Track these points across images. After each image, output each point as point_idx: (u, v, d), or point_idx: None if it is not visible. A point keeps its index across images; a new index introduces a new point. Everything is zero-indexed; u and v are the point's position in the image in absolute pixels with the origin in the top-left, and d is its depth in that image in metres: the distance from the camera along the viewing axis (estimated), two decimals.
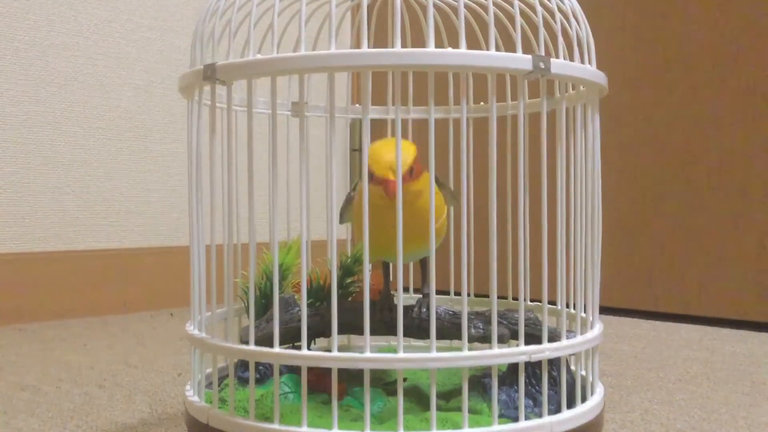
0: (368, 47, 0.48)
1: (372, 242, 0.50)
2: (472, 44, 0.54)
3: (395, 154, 0.49)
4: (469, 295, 0.52)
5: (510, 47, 0.51)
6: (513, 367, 0.57)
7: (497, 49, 0.51)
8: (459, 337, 0.56)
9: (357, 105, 0.81)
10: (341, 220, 0.65)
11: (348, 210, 0.64)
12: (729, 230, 1.30)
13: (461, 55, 0.48)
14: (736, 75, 1.29)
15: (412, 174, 0.56)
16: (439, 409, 0.54)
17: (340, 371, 0.50)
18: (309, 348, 0.50)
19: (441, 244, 0.60)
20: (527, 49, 0.54)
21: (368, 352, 0.49)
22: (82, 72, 1.41)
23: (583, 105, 0.60)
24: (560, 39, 0.56)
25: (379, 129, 0.79)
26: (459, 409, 0.52)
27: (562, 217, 0.54)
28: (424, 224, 0.50)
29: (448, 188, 0.64)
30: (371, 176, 0.54)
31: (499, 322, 0.58)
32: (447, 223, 0.61)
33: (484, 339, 0.57)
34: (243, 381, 0.62)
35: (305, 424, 0.49)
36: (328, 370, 0.50)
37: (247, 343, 0.53)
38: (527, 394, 0.56)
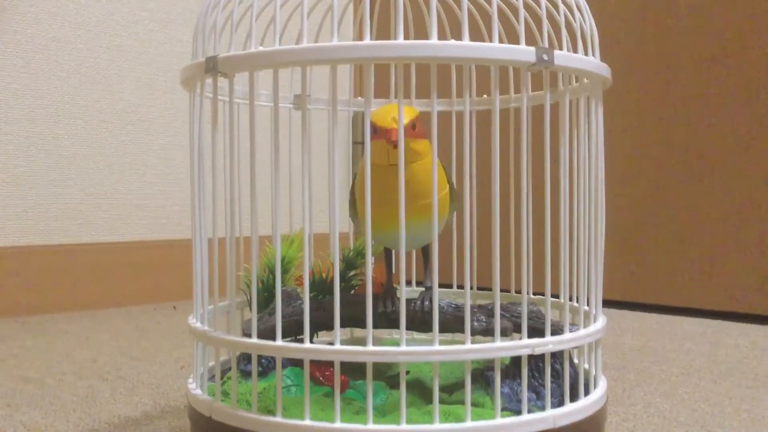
0: (371, 39, 0.48)
1: (374, 214, 0.49)
2: (475, 36, 0.53)
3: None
4: (471, 288, 0.52)
5: (513, 39, 0.51)
6: (516, 361, 0.57)
7: (500, 41, 0.51)
8: (461, 330, 0.56)
9: (359, 98, 0.81)
10: (350, 212, 0.64)
11: (352, 202, 0.63)
12: (732, 223, 1.30)
13: (464, 47, 0.48)
14: (741, 65, 1.28)
15: (414, 129, 0.56)
16: (441, 402, 0.54)
17: (343, 364, 0.50)
18: (311, 341, 0.50)
19: (443, 235, 0.59)
20: (530, 41, 0.54)
21: (371, 345, 0.49)
22: (83, 65, 1.40)
23: (587, 97, 0.60)
24: (564, 31, 0.55)
25: None
26: (462, 402, 0.52)
27: (566, 210, 0.54)
28: (425, 188, 0.49)
29: (452, 184, 0.63)
30: (374, 131, 0.54)
31: (501, 315, 0.58)
32: (449, 206, 0.60)
33: (487, 332, 0.57)
34: (246, 374, 0.62)
35: (308, 417, 0.49)
36: (331, 363, 0.50)
37: (249, 336, 0.53)
38: (530, 388, 0.56)
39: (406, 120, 0.54)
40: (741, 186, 1.29)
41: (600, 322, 0.59)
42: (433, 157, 0.49)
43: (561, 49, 0.54)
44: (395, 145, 0.50)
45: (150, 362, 0.92)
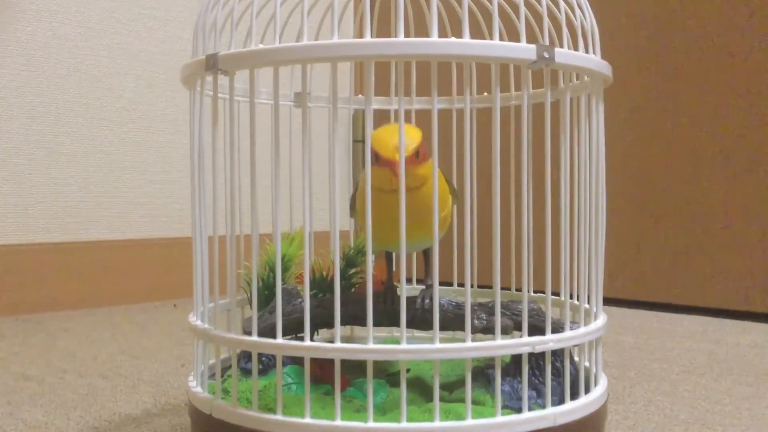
0: (371, 37, 0.48)
1: (375, 231, 0.49)
2: (476, 34, 0.53)
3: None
4: (472, 286, 0.52)
5: (514, 37, 0.51)
6: (516, 359, 0.57)
7: (501, 38, 0.51)
8: (462, 328, 0.56)
9: (360, 95, 0.81)
10: (351, 213, 0.65)
11: (353, 206, 0.64)
12: (733, 221, 1.30)
13: (464, 44, 0.47)
14: (743, 61, 1.28)
15: (418, 157, 0.55)
16: (442, 400, 0.54)
17: (343, 362, 0.50)
18: (312, 339, 0.50)
19: (444, 235, 0.59)
20: (531, 38, 0.54)
21: (371, 343, 0.49)
22: (84, 63, 1.40)
23: (588, 95, 0.60)
24: (564, 28, 0.55)
25: (381, 120, 0.79)
26: (462, 400, 0.52)
27: (566, 207, 0.54)
28: (428, 212, 0.50)
29: (452, 185, 0.63)
30: (376, 158, 0.54)
31: (502, 313, 0.58)
32: (451, 214, 0.60)
33: (487, 330, 0.57)
34: (246, 372, 0.62)
35: (308, 415, 0.49)
36: (331, 361, 0.50)
37: (250, 334, 0.53)
38: (530, 386, 0.56)
39: (410, 149, 0.54)
40: (742, 184, 1.28)
41: (600, 320, 0.59)
42: (434, 165, 0.49)
43: (562, 46, 0.54)
44: (398, 178, 0.50)
45: (150, 360, 0.92)
